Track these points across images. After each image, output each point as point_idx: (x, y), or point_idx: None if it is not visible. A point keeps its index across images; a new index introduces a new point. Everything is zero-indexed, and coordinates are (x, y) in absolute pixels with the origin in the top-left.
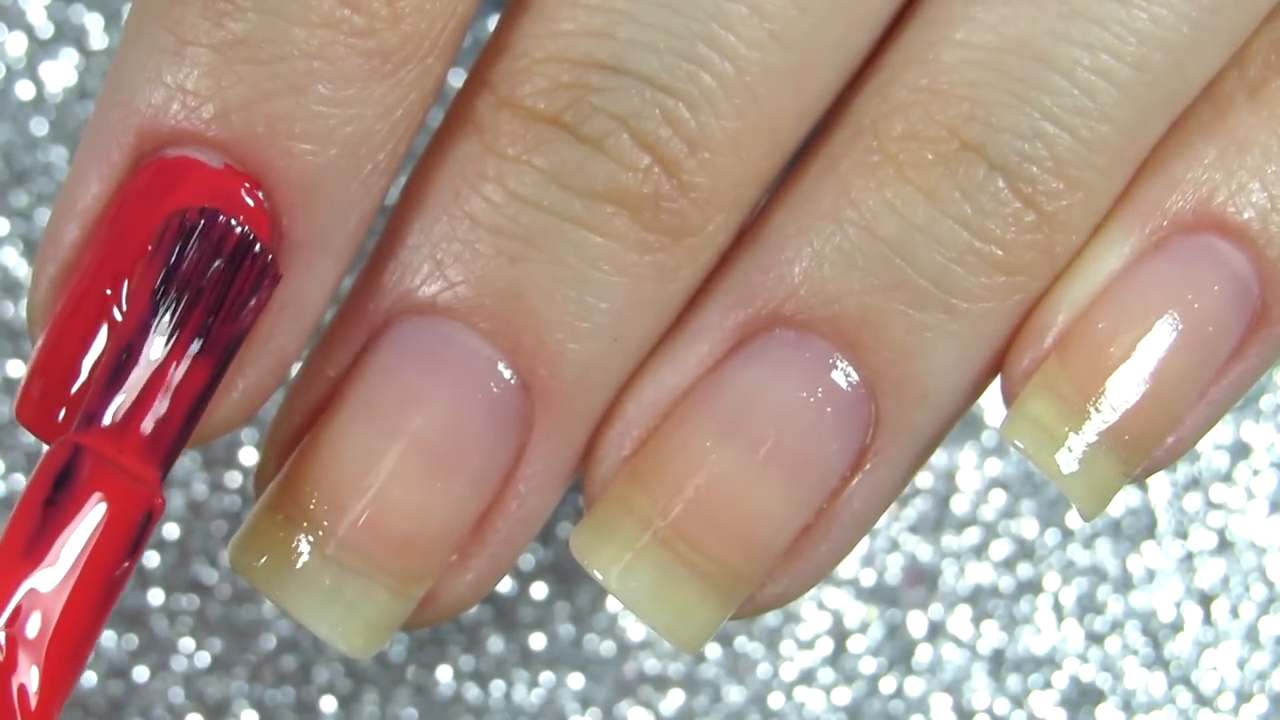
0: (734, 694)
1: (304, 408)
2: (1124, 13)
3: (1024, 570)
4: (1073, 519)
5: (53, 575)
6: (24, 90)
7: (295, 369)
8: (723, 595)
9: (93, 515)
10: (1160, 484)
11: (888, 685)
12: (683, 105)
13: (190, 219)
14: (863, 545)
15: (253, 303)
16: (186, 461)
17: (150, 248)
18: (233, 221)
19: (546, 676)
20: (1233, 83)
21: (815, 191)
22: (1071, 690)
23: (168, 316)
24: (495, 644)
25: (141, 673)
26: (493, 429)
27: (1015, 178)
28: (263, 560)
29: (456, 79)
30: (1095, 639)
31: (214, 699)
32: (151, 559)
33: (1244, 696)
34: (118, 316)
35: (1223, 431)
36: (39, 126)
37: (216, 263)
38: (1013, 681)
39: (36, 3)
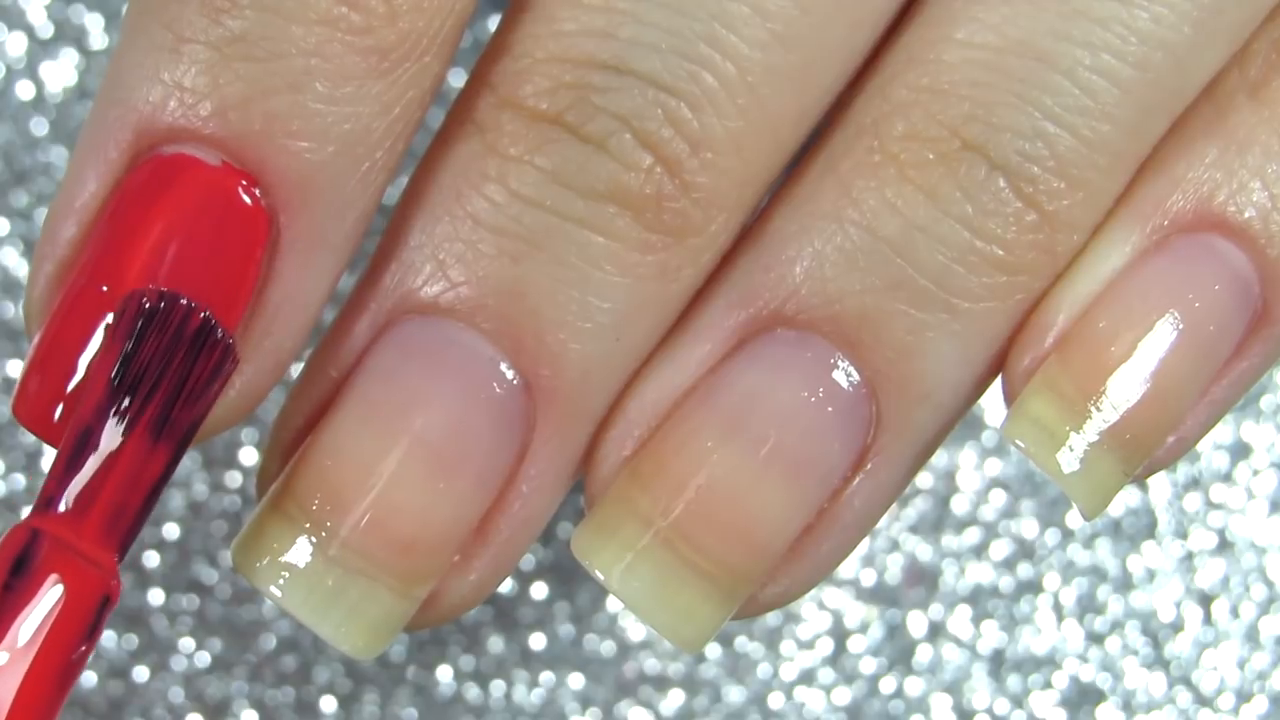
0: (734, 694)
1: (306, 409)
2: (1125, 12)
3: (1024, 570)
4: (1073, 519)
5: (8, 658)
6: (24, 90)
7: (297, 369)
8: (724, 595)
9: (49, 599)
10: (1160, 484)
11: (888, 685)
12: (685, 105)
13: (150, 302)
14: (863, 545)
15: (212, 388)
16: (187, 461)
17: (109, 327)
18: (192, 305)
19: (546, 676)
20: (1234, 82)
21: (816, 191)
22: (1071, 690)
23: (126, 402)
24: (495, 644)
25: (141, 673)
26: (495, 429)
27: (1016, 177)
28: (265, 561)
29: (457, 79)
30: (1095, 639)
31: (214, 699)
32: (151, 559)
33: (1244, 696)
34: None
35: (1223, 431)
36: (39, 126)
37: (176, 350)
38: (1013, 681)
39: (36, 3)
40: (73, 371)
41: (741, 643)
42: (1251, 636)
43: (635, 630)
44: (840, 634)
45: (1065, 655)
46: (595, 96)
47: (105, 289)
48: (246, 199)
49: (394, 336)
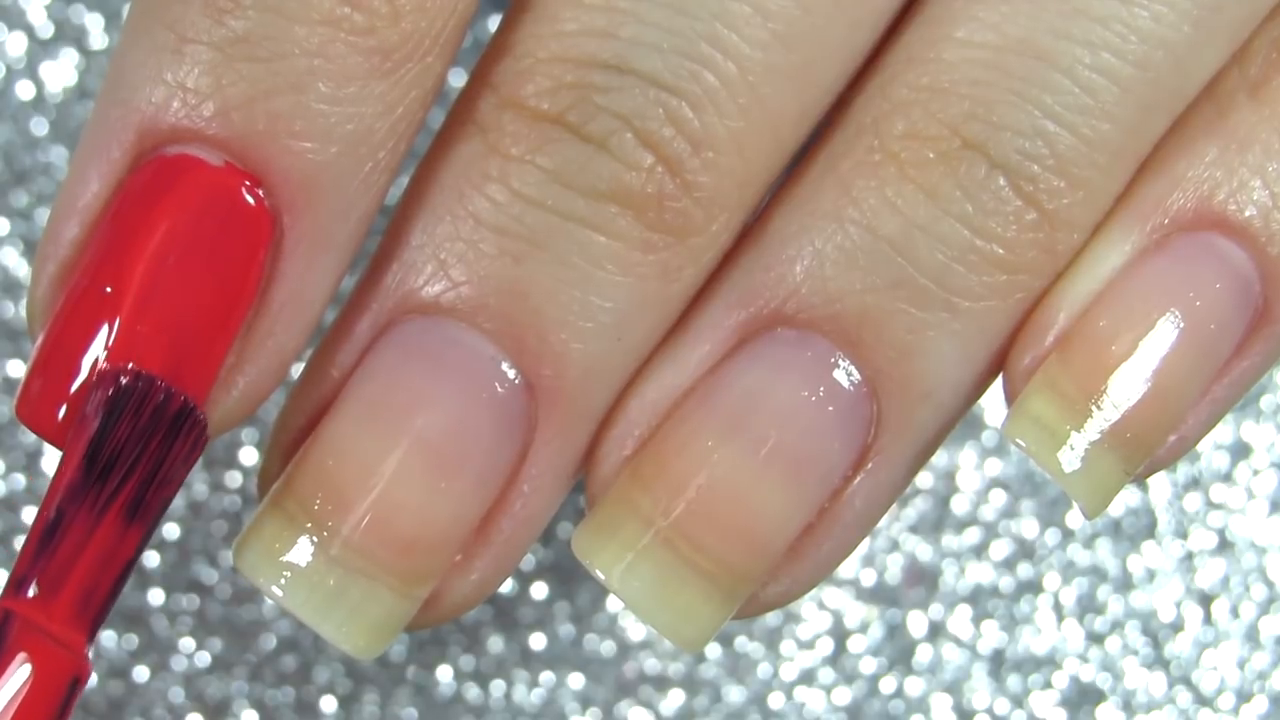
0: (734, 694)
1: (307, 408)
2: (1125, 11)
3: (1024, 570)
4: (1073, 519)
5: None
6: (24, 90)
7: (298, 369)
8: (724, 595)
9: (18, 680)
10: (1160, 484)
11: (888, 685)
12: (686, 105)
13: (127, 381)
14: (863, 545)
15: (185, 468)
16: None
17: (84, 409)
18: (168, 388)
19: (546, 676)
20: (1234, 81)
21: (817, 191)
22: (1071, 690)
23: (100, 486)
24: (495, 644)
25: (141, 673)
26: (496, 429)
27: (1016, 176)
28: (267, 561)
29: (458, 79)
30: (1095, 639)
31: (214, 699)
32: (151, 559)
33: (1244, 696)
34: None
35: (1223, 431)
36: (39, 126)
37: (152, 433)
38: (1013, 681)
39: (36, 3)
40: (75, 372)
41: (741, 643)
42: (1251, 636)
43: (635, 630)
44: (840, 634)
45: (1065, 655)
46: (597, 96)
47: (108, 289)
48: (249, 199)
49: (395, 336)
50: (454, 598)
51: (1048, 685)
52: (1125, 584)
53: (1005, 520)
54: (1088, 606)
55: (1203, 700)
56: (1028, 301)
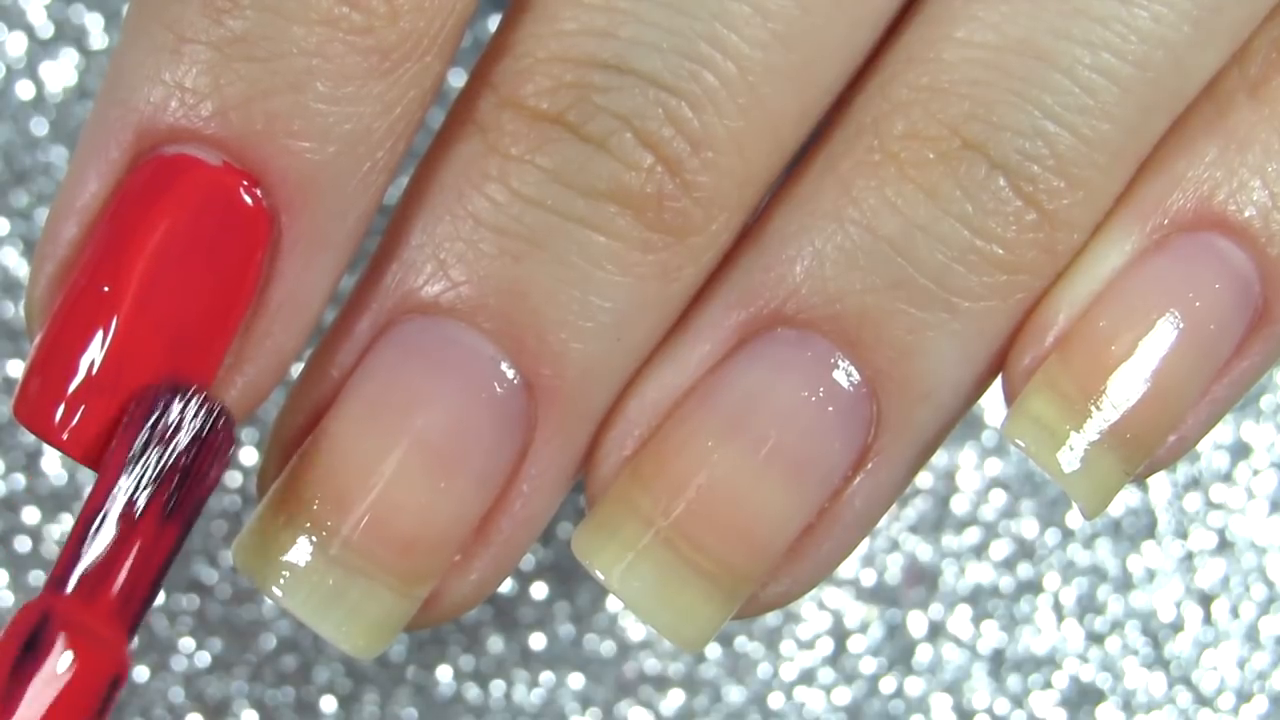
0: (734, 694)
1: (307, 408)
2: (1125, 11)
3: (1024, 570)
4: (1073, 519)
5: None
6: (24, 90)
7: (297, 369)
8: (725, 595)
9: (61, 679)
10: (1160, 484)
11: (888, 685)
12: (685, 105)
13: (169, 396)
14: (863, 545)
15: (218, 468)
16: None
17: (126, 416)
18: (208, 397)
19: (546, 676)
20: (1234, 81)
21: (817, 191)
22: (1071, 690)
23: (138, 487)
24: (495, 644)
25: (141, 673)
26: (496, 429)
27: (1016, 176)
28: (266, 561)
29: (457, 79)
30: (1095, 639)
31: (214, 699)
32: None
33: (1244, 696)
34: (103, 343)
35: (1223, 431)
36: (39, 126)
37: (190, 438)
38: (1013, 681)
39: (36, 3)
40: (74, 372)
41: (741, 643)
42: (1251, 636)
43: (635, 630)
44: (840, 634)
45: (1065, 655)
46: (596, 96)
47: (106, 289)
48: (248, 199)
49: (395, 336)
50: (454, 598)
51: (1048, 685)
52: (1125, 584)
53: (1005, 520)
54: (1088, 606)
55: (1203, 700)
56: (1028, 302)
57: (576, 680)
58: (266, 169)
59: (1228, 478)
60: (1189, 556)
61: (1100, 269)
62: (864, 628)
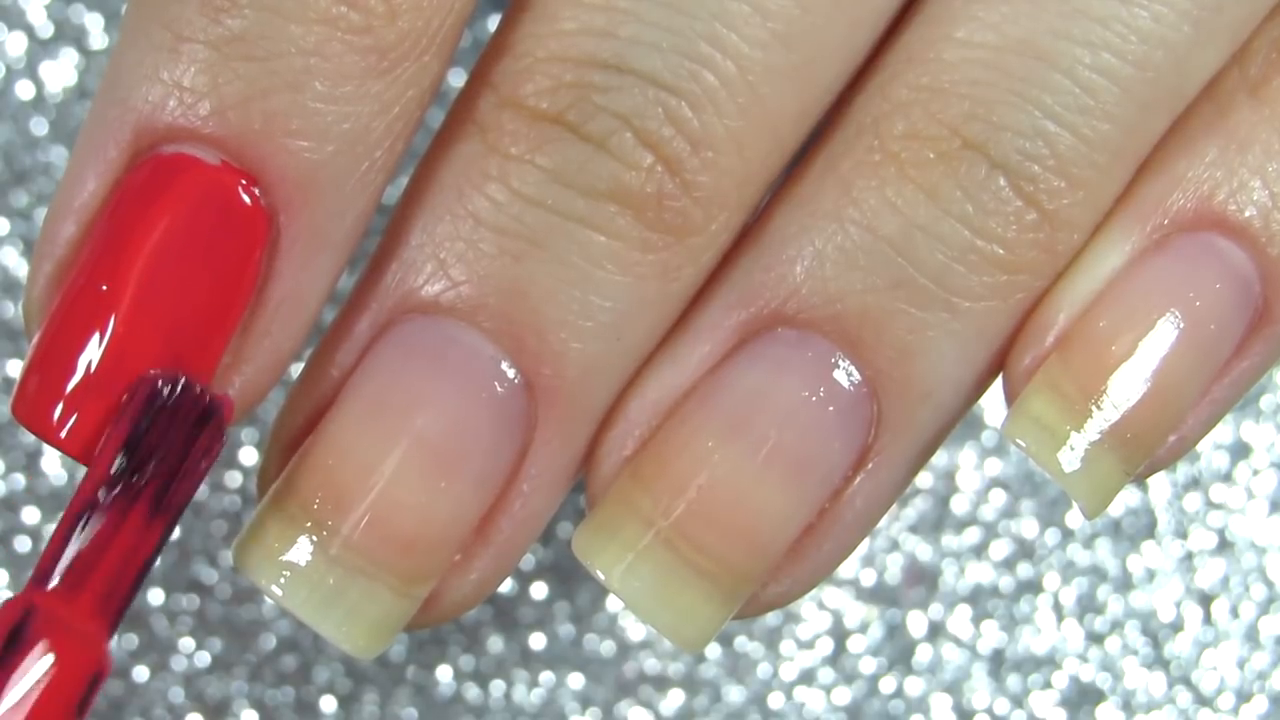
0: (734, 694)
1: (307, 408)
2: (1125, 11)
3: (1024, 570)
4: (1073, 519)
5: None
6: (24, 90)
7: (297, 369)
8: (725, 595)
9: (40, 672)
10: (1160, 484)
11: (888, 685)
12: (685, 104)
13: (164, 387)
14: (863, 545)
15: (206, 463)
16: None
17: (120, 408)
18: (200, 389)
19: (546, 676)
20: (1234, 81)
21: (817, 191)
22: (1071, 690)
23: (126, 483)
24: (495, 644)
25: (141, 673)
26: (496, 429)
27: (1016, 176)
28: (266, 560)
29: (457, 79)
30: (1095, 639)
31: (214, 699)
32: None
33: (1244, 696)
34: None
35: (1223, 431)
36: (39, 126)
37: (181, 431)
38: (1013, 681)
39: (36, 3)
40: (72, 371)
41: (741, 643)
42: (1251, 636)
43: (635, 630)
44: (840, 634)
45: (1065, 655)
46: (596, 95)
47: (104, 288)
48: (246, 198)
49: (395, 336)
50: (453, 597)
51: (1048, 685)
52: (1125, 584)
53: (1005, 520)
54: (1088, 606)
55: (1203, 700)
56: (1028, 301)
57: (576, 680)
58: (265, 168)
59: (1228, 478)
60: (1189, 556)
61: (1100, 269)
62: (864, 628)
